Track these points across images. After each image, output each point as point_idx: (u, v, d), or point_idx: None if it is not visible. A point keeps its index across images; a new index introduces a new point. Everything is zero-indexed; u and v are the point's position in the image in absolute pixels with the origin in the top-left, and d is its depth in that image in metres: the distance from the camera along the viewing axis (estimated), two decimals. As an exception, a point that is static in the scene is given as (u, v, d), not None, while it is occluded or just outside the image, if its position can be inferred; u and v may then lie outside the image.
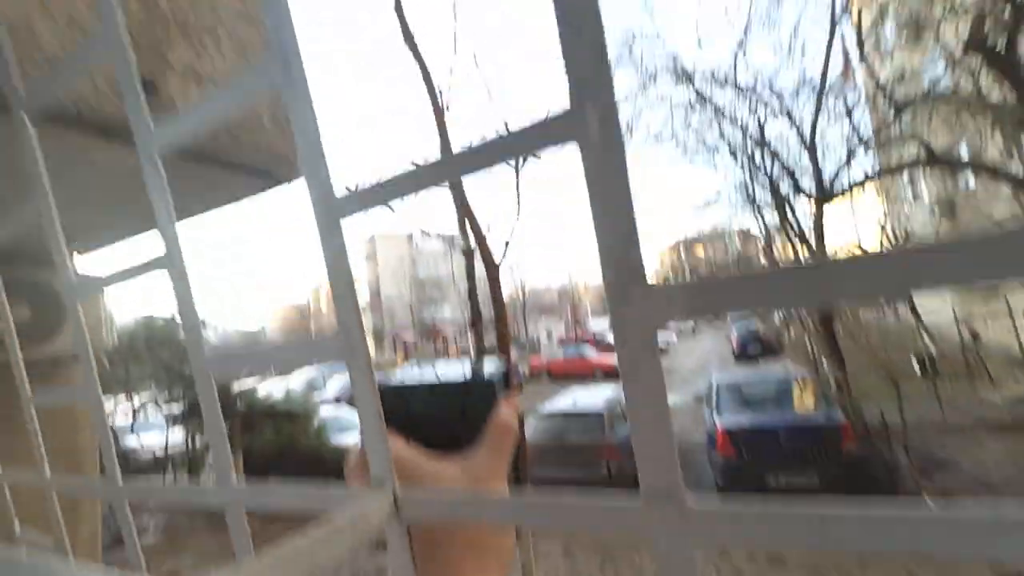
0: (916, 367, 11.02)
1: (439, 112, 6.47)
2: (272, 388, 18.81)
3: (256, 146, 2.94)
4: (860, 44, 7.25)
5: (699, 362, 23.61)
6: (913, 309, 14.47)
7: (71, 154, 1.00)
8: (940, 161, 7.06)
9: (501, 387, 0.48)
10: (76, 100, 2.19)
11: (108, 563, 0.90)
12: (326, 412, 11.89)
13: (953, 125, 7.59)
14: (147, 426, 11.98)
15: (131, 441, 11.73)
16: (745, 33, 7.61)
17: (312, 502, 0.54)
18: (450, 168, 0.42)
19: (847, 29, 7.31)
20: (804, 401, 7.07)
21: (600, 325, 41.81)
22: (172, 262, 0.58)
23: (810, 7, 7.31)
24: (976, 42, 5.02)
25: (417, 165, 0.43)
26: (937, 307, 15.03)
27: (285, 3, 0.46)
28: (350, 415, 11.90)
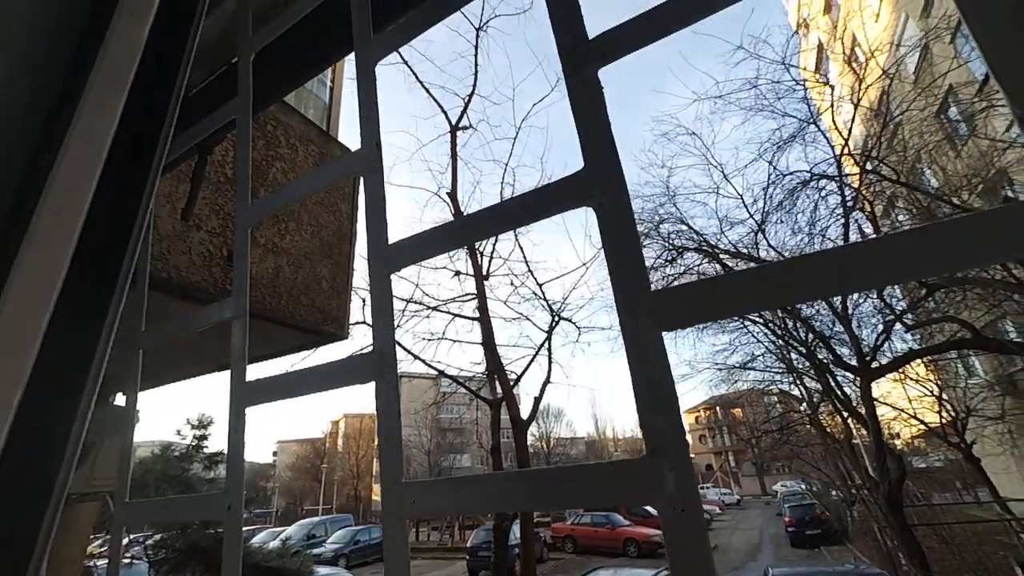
0: (1020, 574, 9.14)
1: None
2: (267, 537, 17.28)
3: (311, 307, 3.24)
4: (875, 227, 7.79)
5: (749, 542, 20.48)
6: (998, 498, 12.61)
7: (152, 309, 1.15)
8: (986, 341, 6.88)
9: None
10: (170, 269, 2.54)
11: None
12: (322, 572, 10.62)
13: (991, 304, 7.58)
14: (128, 575, 10.88)
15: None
16: (764, 216, 8.35)
17: None
18: (471, 229, 0.50)
19: (861, 217, 7.93)
20: (886, 612, 5.84)
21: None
22: (239, 404, 0.65)
23: (822, 203, 8.03)
24: None
25: (439, 225, 0.50)
26: (1022, 494, 13.07)
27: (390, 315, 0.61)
28: (348, 579, 10.54)
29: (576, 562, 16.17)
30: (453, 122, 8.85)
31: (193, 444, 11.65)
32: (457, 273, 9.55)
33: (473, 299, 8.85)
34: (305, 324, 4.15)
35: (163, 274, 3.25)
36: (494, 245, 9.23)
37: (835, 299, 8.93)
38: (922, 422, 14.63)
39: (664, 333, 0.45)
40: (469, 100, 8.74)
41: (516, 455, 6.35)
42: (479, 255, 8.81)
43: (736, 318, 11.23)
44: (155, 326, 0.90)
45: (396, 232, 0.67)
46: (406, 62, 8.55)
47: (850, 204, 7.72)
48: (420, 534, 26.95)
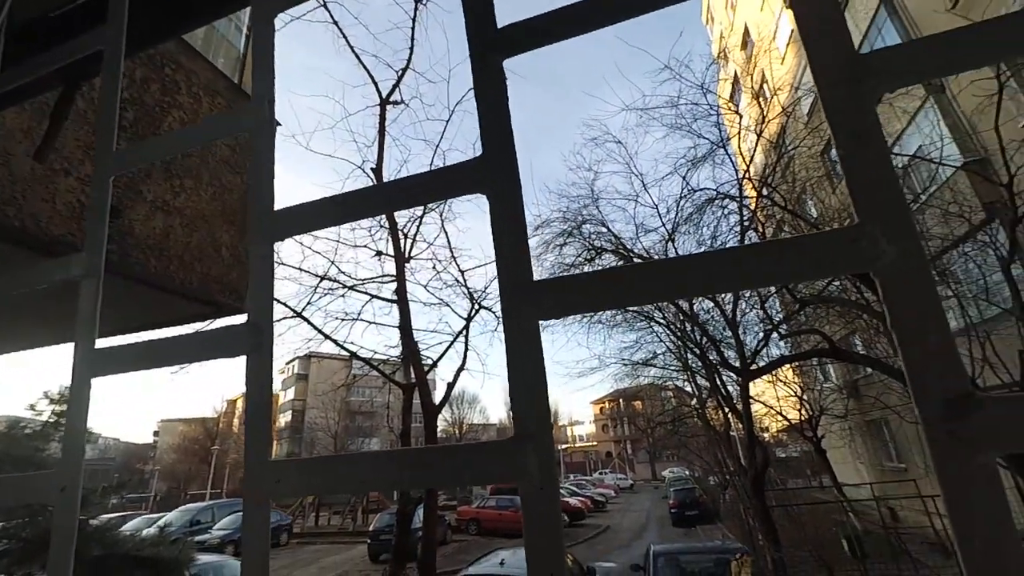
0: (846, 547, 10.94)
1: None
2: (142, 524, 15.61)
3: (206, 276, 2.95)
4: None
5: (637, 522, 22.31)
6: (836, 484, 14.92)
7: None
8: (839, 352, 8.05)
9: None
10: (24, 216, 2.20)
11: None
12: (206, 559, 9.82)
13: (847, 320, 8.89)
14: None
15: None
16: (675, 228, 9.01)
17: None
18: (365, 203, 0.49)
19: (754, 236, 8.85)
20: (742, 580, 6.70)
21: (537, 473, 39.50)
22: (81, 374, 0.57)
23: (724, 220, 8.89)
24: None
25: (342, 195, 0.50)
26: (855, 480, 15.60)
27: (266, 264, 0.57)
28: (233, 567, 9.86)
29: (479, 544, 16.55)
30: (383, 94, 8.45)
31: (51, 420, 10.13)
32: (378, 253, 9.19)
33: (392, 281, 8.59)
34: (198, 293, 3.73)
35: (14, 221, 2.75)
36: (418, 227, 9.01)
37: (727, 307, 9.98)
38: (786, 418, 16.84)
39: (554, 325, 0.47)
40: (403, 74, 8.39)
41: (426, 440, 6.32)
42: (402, 236, 8.56)
43: (641, 318, 12.04)
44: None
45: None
46: (336, 22, 7.98)
47: (747, 223, 8.58)
48: (321, 518, 25.91)
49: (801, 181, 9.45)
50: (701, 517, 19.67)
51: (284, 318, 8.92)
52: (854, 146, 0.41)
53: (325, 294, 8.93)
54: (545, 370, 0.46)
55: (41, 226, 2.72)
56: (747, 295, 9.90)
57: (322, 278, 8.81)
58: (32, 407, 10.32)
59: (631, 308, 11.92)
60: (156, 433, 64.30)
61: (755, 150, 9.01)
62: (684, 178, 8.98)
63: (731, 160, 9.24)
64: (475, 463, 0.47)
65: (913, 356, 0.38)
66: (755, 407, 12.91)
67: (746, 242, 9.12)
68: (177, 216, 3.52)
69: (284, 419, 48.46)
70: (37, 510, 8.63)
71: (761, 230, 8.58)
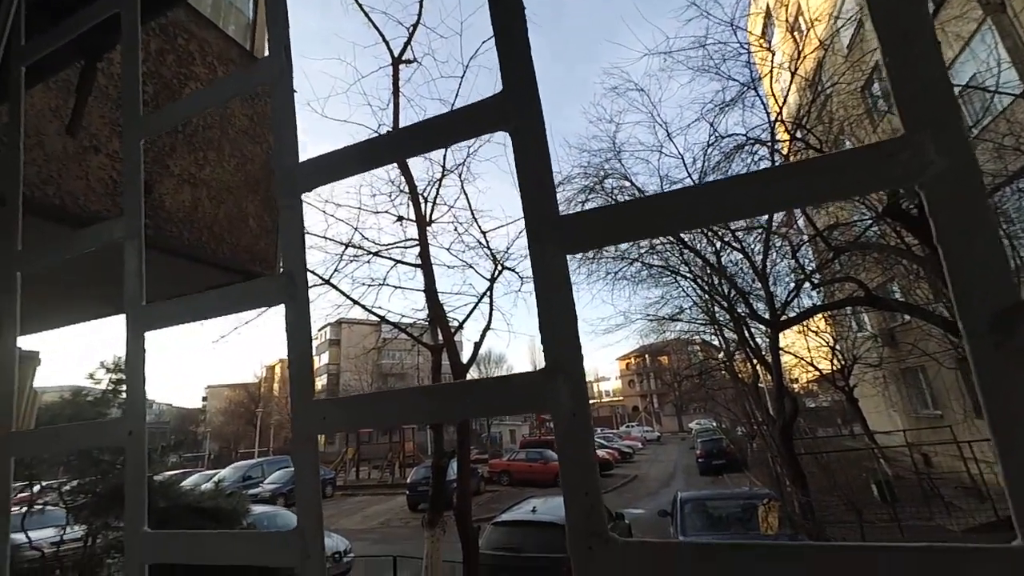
0: (875, 492, 10.99)
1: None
2: (200, 480, 16.93)
3: (236, 246, 3.02)
4: (797, 197, 8.33)
5: (664, 472, 22.88)
6: (867, 431, 14.83)
7: (42, 241, 1.04)
8: (875, 299, 7.79)
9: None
10: (63, 194, 2.27)
11: None
12: (260, 510, 10.66)
13: (885, 267, 8.53)
14: (42, 520, 10.34)
15: (19, 536, 10.02)
16: (702, 178, 8.66)
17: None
18: (387, 149, 0.50)
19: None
20: (769, 523, 6.85)
21: (565, 427, 40.62)
22: (135, 329, 0.62)
23: (754, 167, 8.44)
24: (893, 209, 5.86)
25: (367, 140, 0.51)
26: (888, 428, 15.46)
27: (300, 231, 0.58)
28: (286, 516, 10.68)
29: (511, 493, 17.37)
30: (395, 54, 8.21)
31: (110, 388, 10.89)
32: (399, 218, 9.23)
33: (415, 246, 8.66)
34: (230, 263, 3.86)
35: (54, 200, 2.86)
36: (437, 190, 8.95)
37: (757, 258, 9.68)
38: (817, 369, 16.62)
39: (579, 283, 0.47)
40: (413, 31, 8.09)
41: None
42: (423, 200, 8.53)
43: (668, 273, 11.84)
44: (34, 250, 0.80)
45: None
46: (343, -23, 7.66)
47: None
48: (361, 472, 27.56)
49: (839, 121, 8.88)
50: (728, 466, 20.00)
51: (314, 286, 9.17)
52: (902, 48, 0.38)
53: (351, 261, 9.10)
54: (574, 303, 0.46)
55: (80, 203, 2.82)
56: (778, 245, 9.57)
57: (347, 245, 8.96)
58: (91, 376, 11.11)
59: (655, 264, 11.75)
60: (204, 398, 68.61)
61: (788, 90, 8.45)
62: (711, 124, 8.55)
63: (762, 102, 8.72)
64: (507, 394, 0.48)
65: (960, 269, 0.36)
66: (785, 358, 12.75)
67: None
68: (204, 188, 3.60)
69: (320, 383, 50.81)
70: (106, 468, 9.44)
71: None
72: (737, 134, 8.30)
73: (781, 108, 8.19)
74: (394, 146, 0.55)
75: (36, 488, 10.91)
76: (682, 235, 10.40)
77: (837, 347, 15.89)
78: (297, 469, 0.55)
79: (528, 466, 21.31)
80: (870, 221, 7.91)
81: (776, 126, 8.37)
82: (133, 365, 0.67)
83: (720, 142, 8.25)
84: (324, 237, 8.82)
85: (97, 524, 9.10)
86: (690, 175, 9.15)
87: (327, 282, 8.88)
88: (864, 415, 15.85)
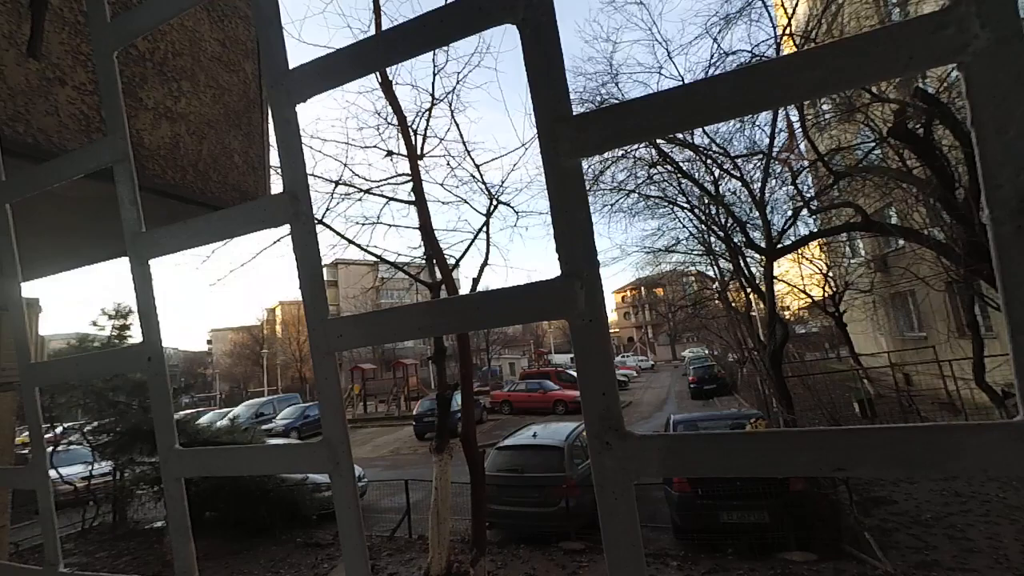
0: (857, 409, 11.65)
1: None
2: (215, 418, 17.70)
3: (224, 184, 2.91)
4: (802, 119, 8.03)
5: (658, 397, 24.05)
6: (853, 353, 15.42)
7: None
8: (872, 224, 7.76)
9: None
10: (35, 132, 2.13)
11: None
12: (273, 444, 11.26)
13: (884, 192, 8.43)
14: (68, 458, 10.96)
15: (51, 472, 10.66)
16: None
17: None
18: (384, 49, 0.49)
19: (791, 107, 8.10)
20: (755, 440, 7.31)
21: (562, 359, 42.00)
22: (138, 256, 0.62)
23: None
24: (898, 129, 5.66)
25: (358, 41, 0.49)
26: (874, 351, 16.09)
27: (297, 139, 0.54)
28: (300, 448, 11.31)
29: (512, 421, 18.32)
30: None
31: (114, 335, 11.11)
32: (389, 153, 8.90)
33: (408, 181, 8.41)
34: (219, 202, 3.78)
35: (27, 139, 2.72)
36: (427, 121, 8.56)
37: (755, 185, 9.53)
38: (809, 296, 16.94)
39: (594, 213, 0.46)
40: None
41: (456, 336, 6.69)
42: (412, 133, 8.18)
43: (665, 203, 11.69)
44: (20, 181, 0.77)
45: (311, 104, 0.58)
46: None
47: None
48: (368, 406, 28.84)
49: (850, 32, 8.35)
50: (719, 390, 21.03)
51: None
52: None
53: (343, 199, 8.88)
54: (589, 208, 0.45)
55: (53, 141, 2.69)
56: (778, 171, 9.38)
57: (337, 183, 8.70)
58: (94, 323, 11.24)
59: (652, 195, 11.56)
60: (209, 342, 70.04)
61: (797, 0, 7.87)
62: (715, 40, 8.04)
63: (769, 14, 8.15)
64: (524, 302, 0.48)
65: (992, 152, 0.35)
66: (778, 287, 12.97)
67: (779, 112, 8.41)
68: (182, 123, 3.42)
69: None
70: (123, 409, 9.83)
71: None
72: (742, 50, 7.84)
73: (789, 20, 7.67)
74: (389, 46, 0.51)
75: (59, 430, 11.44)
76: (680, 163, 10.15)
77: (830, 274, 16.12)
78: (319, 384, 0.56)
79: (528, 396, 22.30)
80: (873, 144, 7.70)
81: (783, 41, 7.89)
82: (142, 293, 0.67)
83: (724, 60, 7.82)
84: (312, 175, 8.54)
85: (123, 459, 9.64)
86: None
87: (320, 221, 8.75)
88: (851, 338, 16.41)
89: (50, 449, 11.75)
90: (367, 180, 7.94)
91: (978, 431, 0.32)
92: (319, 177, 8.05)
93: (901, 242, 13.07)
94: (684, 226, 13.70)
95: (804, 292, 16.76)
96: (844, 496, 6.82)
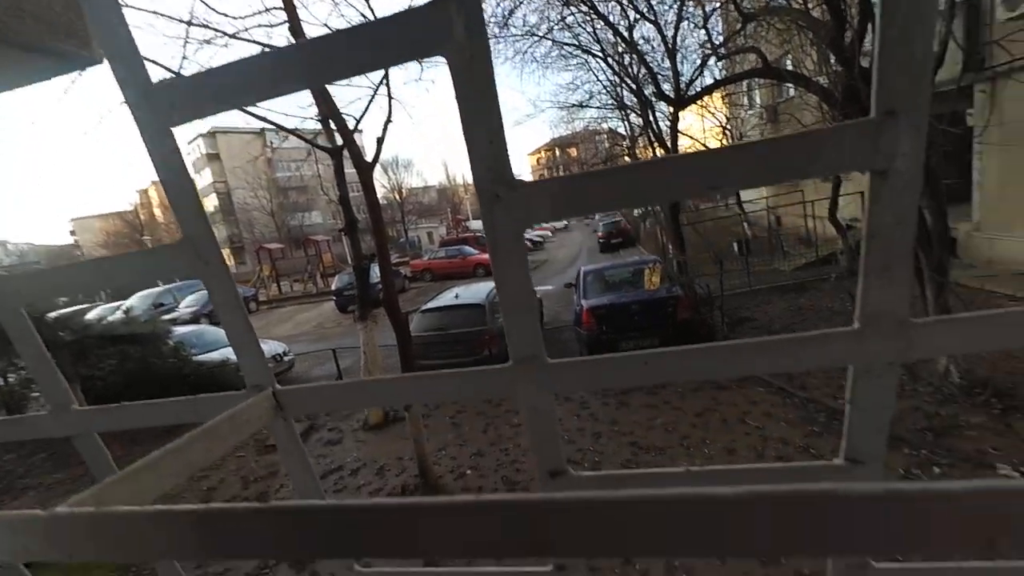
0: (736, 249, 13.43)
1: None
2: (105, 312, 16.11)
3: (38, 19, 2.23)
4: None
5: (571, 254, 25.73)
6: (739, 201, 17.18)
7: None
8: (770, 71, 7.97)
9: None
10: None
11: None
12: (184, 330, 10.72)
13: (785, 39, 8.52)
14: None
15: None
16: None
17: (184, 415, 0.55)
18: (296, 63, 0.39)
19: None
20: (653, 281, 8.28)
21: (480, 224, 42.31)
22: None
23: None
24: None
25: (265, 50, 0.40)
26: (755, 198, 18.04)
27: None
28: (213, 332, 10.90)
29: (434, 288, 18.83)
30: None
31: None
32: (250, -22, 7.09)
33: (283, 23, 6.93)
34: (35, 42, 2.91)
35: None
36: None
37: (668, 33, 9.17)
38: (707, 148, 17.92)
39: (506, 62, 0.37)
40: None
41: (365, 199, 6.32)
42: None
43: (578, 51, 10.99)
44: None
45: None
46: None
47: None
48: (283, 287, 27.82)
49: None
50: (624, 243, 22.94)
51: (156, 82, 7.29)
52: None
53: (202, 45, 7.19)
54: None
55: None
56: (691, 10, 9.01)
57: (189, 23, 6.91)
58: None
59: (566, 42, 10.77)
60: (72, 232, 60.29)
61: None
62: None
63: None
64: (394, 35, 0.42)
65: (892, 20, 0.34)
66: (682, 141, 13.47)
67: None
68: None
69: (211, 203, 45.92)
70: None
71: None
72: None
73: None
74: None
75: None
76: (596, 4, 9.36)
77: (728, 126, 16.95)
78: (156, 164, 0.49)
79: (448, 262, 22.69)
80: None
81: None
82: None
83: None
84: (155, 12, 6.62)
85: (2, 364, 8.70)
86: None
87: (176, 75, 7.13)
88: (738, 188, 18.08)
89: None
90: (229, 17, 6.41)
91: (824, 341, 0.38)
92: (164, 16, 6.31)
93: (792, 91, 13.80)
94: (598, 79, 13.21)
95: (703, 145, 17.67)
96: (719, 320, 8.20)
